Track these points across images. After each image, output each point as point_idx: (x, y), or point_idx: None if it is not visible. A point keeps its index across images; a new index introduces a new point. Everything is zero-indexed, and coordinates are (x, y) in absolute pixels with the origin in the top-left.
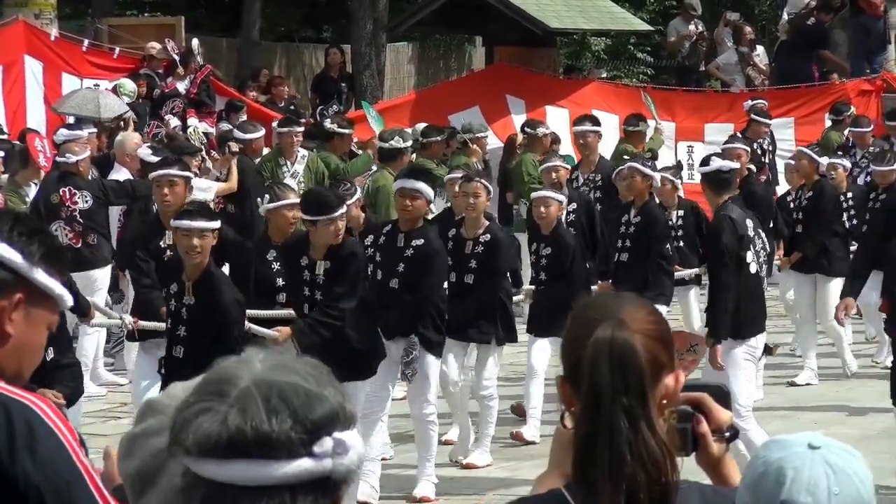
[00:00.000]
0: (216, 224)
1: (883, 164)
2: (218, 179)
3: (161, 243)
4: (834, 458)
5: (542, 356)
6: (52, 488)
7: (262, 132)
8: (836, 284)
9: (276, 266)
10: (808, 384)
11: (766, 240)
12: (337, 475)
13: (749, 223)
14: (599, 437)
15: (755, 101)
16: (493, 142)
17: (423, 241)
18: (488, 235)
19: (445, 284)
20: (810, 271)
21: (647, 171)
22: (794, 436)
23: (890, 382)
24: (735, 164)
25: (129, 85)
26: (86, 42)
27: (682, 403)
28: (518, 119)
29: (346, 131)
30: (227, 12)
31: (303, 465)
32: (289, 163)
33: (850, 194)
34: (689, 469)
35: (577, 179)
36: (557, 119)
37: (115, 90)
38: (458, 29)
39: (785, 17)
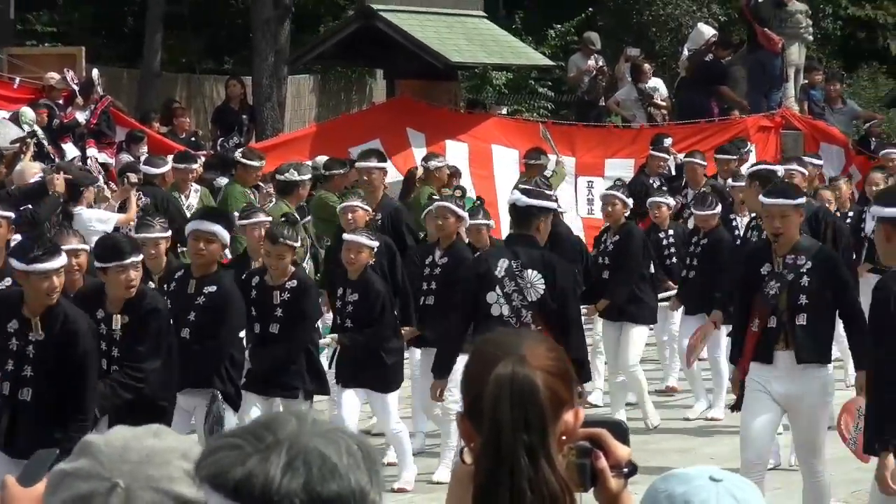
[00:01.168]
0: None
1: (704, 208)
2: (121, 210)
3: None
4: (737, 491)
5: (353, 411)
6: None
7: (170, 165)
8: (640, 332)
9: None
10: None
11: (525, 284)
12: None
13: (503, 263)
14: (500, 473)
15: (666, 140)
16: (394, 175)
17: (216, 287)
18: (295, 281)
19: (243, 333)
20: (618, 319)
21: (460, 211)
22: (693, 469)
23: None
24: (539, 203)
25: (29, 114)
26: None
27: (581, 439)
28: (419, 152)
29: (259, 164)
30: (129, 43)
31: None
32: (183, 196)
33: (671, 232)
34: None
35: None
36: (457, 153)
37: (14, 119)
38: (359, 62)
39: (685, 53)
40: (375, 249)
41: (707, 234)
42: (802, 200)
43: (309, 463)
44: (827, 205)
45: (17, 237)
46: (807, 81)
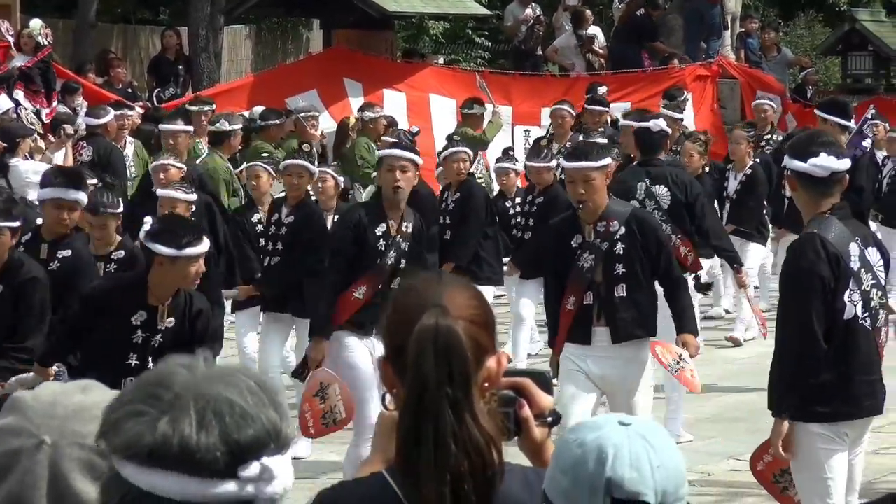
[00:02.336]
0: None
1: (537, 160)
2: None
3: None
4: (647, 433)
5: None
6: None
7: (112, 114)
8: (486, 293)
9: None
10: None
11: None
12: (262, 502)
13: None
14: (424, 426)
15: (600, 89)
16: (331, 125)
17: (69, 251)
18: (122, 252)
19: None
20: None
21: (313, 168)
22: (600, 418)
23: None
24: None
25: None
26: None
27: (504, 388)
28: (356, 102)
29: (209, 108)
30: None
31: (225, 487)
32: (118, 146)
33: (517, 200)
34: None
35: None
36: (394, 103)
37: None
38: (295, 12)
39: (617, 3)
40: (193, 204)
41: (543, 192)
42: (607, 161)
43: (220, 413)
44: (686, 159)
45: None
46: (743, 30)
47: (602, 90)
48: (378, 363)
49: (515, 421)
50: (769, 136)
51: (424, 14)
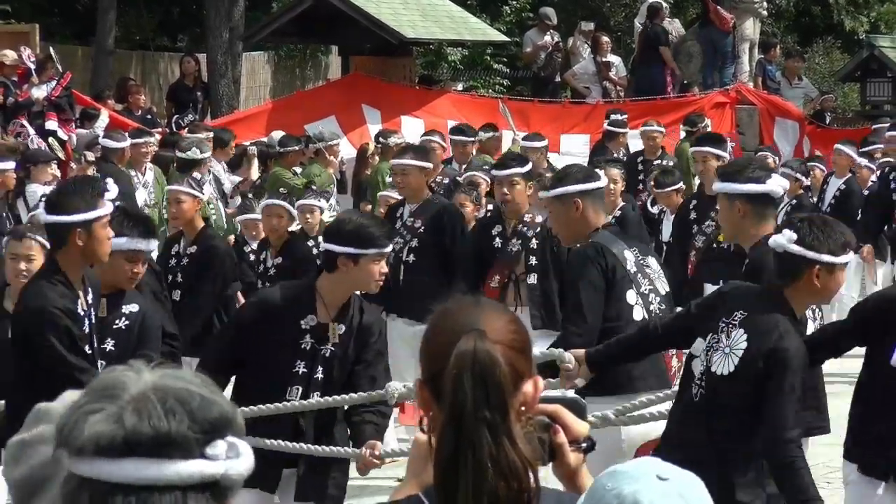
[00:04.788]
0: None
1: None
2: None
3: None
4: (685, 490)
5: None
6: None
7: (129, 141)
8: None
9: None
10: None
11: None
12: (227, 480)
13: None
14: (462, 449)
15: (617, 115)
16: (349, 152)
17: None
18: None
19: None
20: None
21: (198, 193)
22: (635, 465)
23: None
24: None
25: None
26: None
27: (538, 415)
28: (374, 129)
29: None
30: (82, 20)
31: (197, 465)
32: (139, 174)
33: (321, 238)
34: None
35: None
36: (412, 129)
37: None
38: (313, 38)
39: (637, 26)
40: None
41: None
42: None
43: (183, 399)
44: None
45: None
46: (763, 56)
47: (620, 116)
48: (416, 385)
49: (550, 447)
50: (659, 161)
51: (443, 41)
